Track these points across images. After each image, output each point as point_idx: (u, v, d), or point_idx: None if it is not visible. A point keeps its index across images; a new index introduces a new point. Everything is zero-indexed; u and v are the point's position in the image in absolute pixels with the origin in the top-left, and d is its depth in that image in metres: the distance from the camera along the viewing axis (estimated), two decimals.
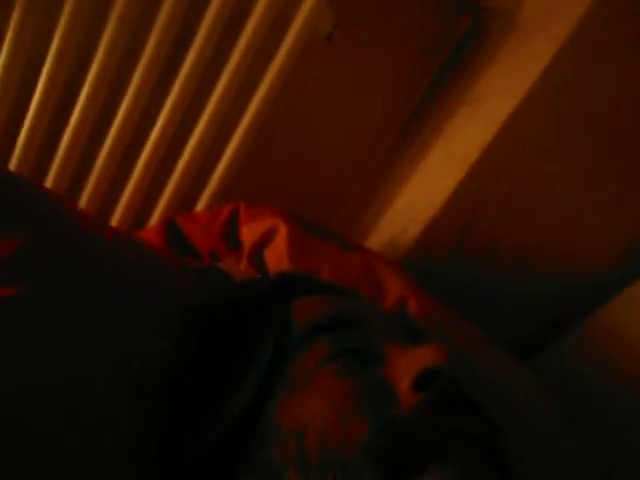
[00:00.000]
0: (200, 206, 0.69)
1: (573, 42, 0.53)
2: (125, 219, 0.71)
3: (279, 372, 0.32)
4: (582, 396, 0.49)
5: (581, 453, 0.44)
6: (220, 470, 0.31)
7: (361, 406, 0.29)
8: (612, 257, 0.60)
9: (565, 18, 0.55)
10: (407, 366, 0.30)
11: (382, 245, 0.64)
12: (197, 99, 0.64)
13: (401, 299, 0.49)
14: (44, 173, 0.68)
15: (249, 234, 0.51)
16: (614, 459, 0.46)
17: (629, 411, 0.50)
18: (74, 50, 0.62)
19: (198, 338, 0.36)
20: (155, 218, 0.71)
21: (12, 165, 0.67)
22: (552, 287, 0.60)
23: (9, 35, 0.59)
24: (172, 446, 0.32)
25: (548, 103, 0.53)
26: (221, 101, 0.63)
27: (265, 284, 0.41)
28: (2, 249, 0.34)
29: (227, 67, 0.62)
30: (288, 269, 0.47)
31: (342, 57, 0.68)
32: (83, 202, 0.71)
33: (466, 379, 0.36)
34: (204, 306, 0.39)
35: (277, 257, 0.48)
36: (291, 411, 0.30)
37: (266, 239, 0.50)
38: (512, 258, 0.60)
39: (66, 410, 0.30)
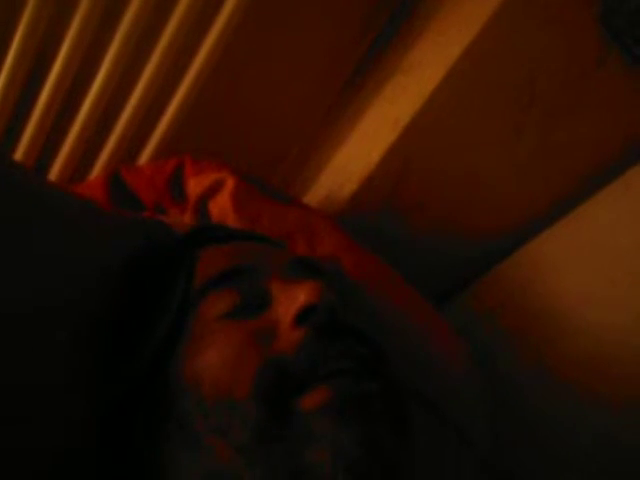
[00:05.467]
0: (143, 159, 0.70)
1: (497, 17, 0.57)
2: (65, 171, 0.70)
3: (183, 323, 0.35)
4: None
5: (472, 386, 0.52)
6: (147, 423, 0.34)
7: (246, 352, 0.32)
8: (514, 222, 0.68)
9: None
10: (288, 304, 0.34)
11: (320, 200, 0.68)
12: (141, 48, 0.63)
13: (334, 251, 0.53)
14: None
15: (195, 186, 0.54)
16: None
17: (507, 361, 0.58)
18: None
19: (129, 285, 0.39)
20: (96, 171, 0.71)
21: None
22: (466, 247, 0.68)
23: None
24: (107, 383, 0.35)
25: (470, 76, 0.58)
26: (167, 51, 0.63)
27: (177, 235, 0.44)
28: None
29: (174, 16, 0.61)
30: (231, 219, 0.50)
31: (287, 15, 0.69)
32: (19, 153, 0.70)
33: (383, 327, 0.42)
34: (136, 256, 0.41)
35: (221, 209, 0.51)
36: (190, 364, 0.34)
37: (212, 191, 0.53)
38: (434, 218, 0.66)
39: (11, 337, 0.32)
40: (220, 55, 0.63)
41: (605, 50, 0.60)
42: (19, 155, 0.70)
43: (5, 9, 0.62)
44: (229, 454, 0.31)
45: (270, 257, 0.39)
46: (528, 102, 0.62)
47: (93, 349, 0.36)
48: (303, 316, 0.33)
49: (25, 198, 0.37)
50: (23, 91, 0.66)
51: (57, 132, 0.69)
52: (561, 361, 0.57)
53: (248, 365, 0.32)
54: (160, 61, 0.63)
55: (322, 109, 0.76)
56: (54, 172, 0.71)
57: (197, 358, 0.34)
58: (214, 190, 0.52)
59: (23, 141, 0.70)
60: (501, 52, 0.59)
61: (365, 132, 0.68)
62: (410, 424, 0.33)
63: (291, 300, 0.34)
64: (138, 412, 0.34)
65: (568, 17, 0.58)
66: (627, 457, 0.49)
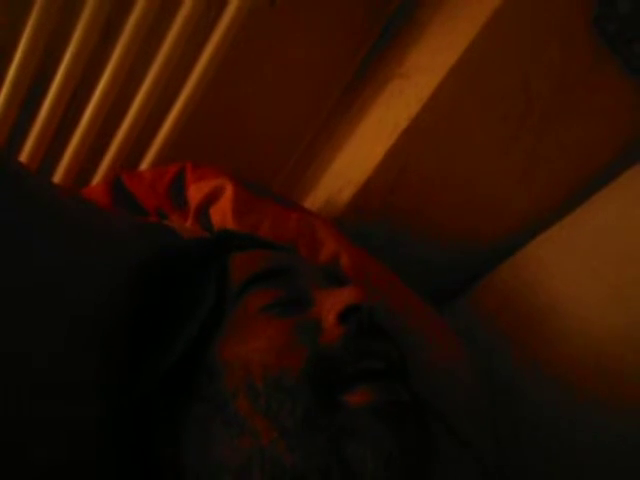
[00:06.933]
0: (144, 166, 0.71)
1: (493, 22, 0.58)
2: (68, 177, 0.71)
3: (221, 317, 0.37)
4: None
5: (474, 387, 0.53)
6: (174, 403, 0.35)
7: (295, 341, 0.35)
8: (511, 226, 0.69)
9: None
10: (333, 304, 0.36)
11: (319, 205, 0.69)
12: (142, 57, 0.64)
13: (335, 254, 0.54)
14: None
15: (196, 192, 0.54)
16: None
17: (506, 363, 0.59)
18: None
19: (150, 286, 0.40)
20: (98, 177, 0.72)
21: None
22: (464, 251, 0.69)
23: None
24: (129, 380, 0.36)
25: (466, 81, 0.59)
26: (167, 61, 0.64)
27: (206, 240, 0.46)
28: None
29: (174, 25, 0.62)
30: (232, 225, 0.51)
31: (284, 23, 0.70)
32: (23, 158, 0.71)
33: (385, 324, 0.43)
34: (155, 258, 0.43)
35: (222, 214, 0.52)
36: (235, 350, 0.35)
37: (212, 197, 0.53)
38: (432, 221, 0.67)
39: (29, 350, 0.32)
40: (220, 63, 0.63)
41: (599, 55, 0.60)
42: (22, 160, 0.71)
43: (11, 15, 0.63)
44: (272, 436, 0.32)
45: (303, 264, 0.43)
46: (524, 107, 0.62)
47: (119, 346, 0.37)
48: (345, 315, 0.35)
49: (39, 203, 0.38)
50: (25, 98, 0.67)
51: (59, 139, 0.70)
52: (559, 362, 0.57)
53: (298, 351, 0.34)
54: (162, 68, 0.64)
55: (321, 115, 0.77)
56: (56, 178, 0.72)
57: (244, 343, 0.35)
58: (214, 196, 0.53)
59: (26, 147, 0.70)
60: (497, 57, 0.60)
61: (363, 137, 0.68)
62: (429, 431, 0.35)
63: (335, 299, 0.36)
64: (167, 397, 0.35)
65: (562, 23, 0.59)
66: (627, 457, 0.49)
